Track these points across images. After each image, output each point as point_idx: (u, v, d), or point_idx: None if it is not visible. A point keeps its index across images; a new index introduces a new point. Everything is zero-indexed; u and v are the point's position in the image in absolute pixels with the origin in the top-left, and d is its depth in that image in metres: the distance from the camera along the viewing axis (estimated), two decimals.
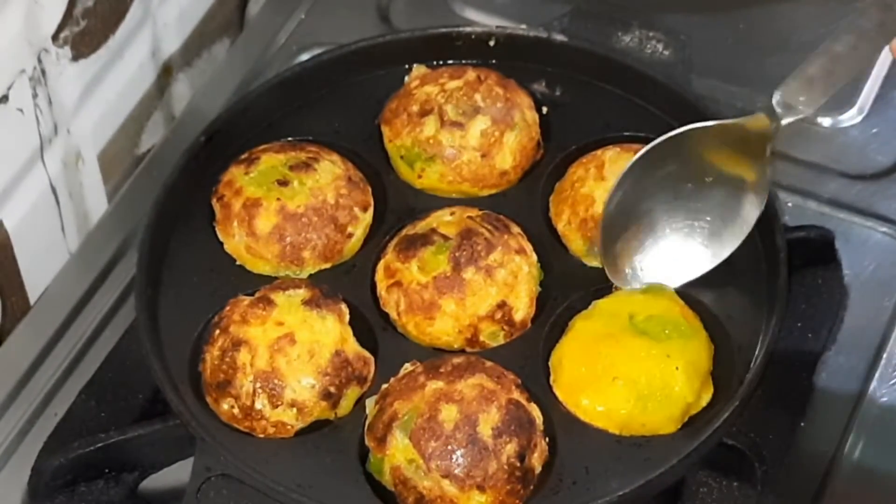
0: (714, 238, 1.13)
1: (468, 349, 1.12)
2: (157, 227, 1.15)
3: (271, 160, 1.18)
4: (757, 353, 1.08)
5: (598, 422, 1.07)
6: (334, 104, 1.25)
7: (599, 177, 1.17)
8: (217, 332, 1.10)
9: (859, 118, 1.32)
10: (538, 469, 1.05)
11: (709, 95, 1.27)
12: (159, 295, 1.14)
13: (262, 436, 1.08)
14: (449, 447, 1.03)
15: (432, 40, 1.27)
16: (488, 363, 1.09)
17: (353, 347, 1.10)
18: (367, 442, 1.07)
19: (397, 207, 1.19)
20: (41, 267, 1.24)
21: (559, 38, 1.25)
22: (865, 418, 1.15)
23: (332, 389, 1.08)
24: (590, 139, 1.22)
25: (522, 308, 1.13)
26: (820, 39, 1.36)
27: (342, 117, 1.24)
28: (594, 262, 1.15)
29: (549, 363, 1.10)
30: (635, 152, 1.18)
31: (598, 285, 1.14)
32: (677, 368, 1.07)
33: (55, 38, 1.19)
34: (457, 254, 1.12)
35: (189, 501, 1.04)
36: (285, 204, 1.15)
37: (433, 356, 1.11)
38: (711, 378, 1.10)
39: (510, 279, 1.12)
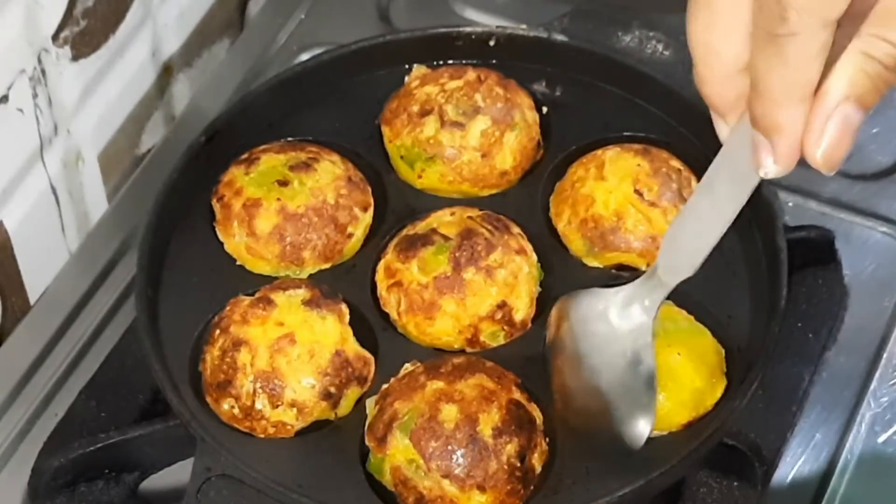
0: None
1: (468, 349, 1.12)
2: (157, 227, 1.15)
3: (271, 160, 1.18)
4: (757, 353, 1.08)
5: None
6: (334, 104, 1.25)
7: (600, 177, 1.17)
8: (217, 332, 1.10)
9: None
10: (538, 469, 1.06)
11: None
12: (159, 295, 1.14)
13: (262, 436, 1.08)
14: (449, 447, 1.03)
15: (432, 40, 1.27)
16: (489, 363, 1.09)
17: (353, 347, 1.10)
18: (367, 442, 1.07)
19: (397, 208, 1.19)
20: (41, 267, 1.24)
21: (559, 38, 1.25)
22: (866, 418, 1.15)
23: (333, 389, 1.08)
24: (590, 139, 1.22)
25: (523, 308, 1.13)
26: None
27: (342, 117, 1.24)
28: (594, 263, 1.16)
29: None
30: (635, 152, 1.18)
31: (599, 285, 1.14)
32: (679, 354, 1.07)
33: (55, 38, 1.19)
34: (457, 254, 1.12)
35: (189, 501, 1.04)
36: (285, 204, 1.15)
37: (433, 356, 1.11)
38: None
39: (510, 279, 1.12)
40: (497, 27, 1.27)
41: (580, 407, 1.06)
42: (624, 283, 1.13)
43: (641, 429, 1.03)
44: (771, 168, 0.84)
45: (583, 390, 1.05)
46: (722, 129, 0.89)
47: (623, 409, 1.04)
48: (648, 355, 1.02)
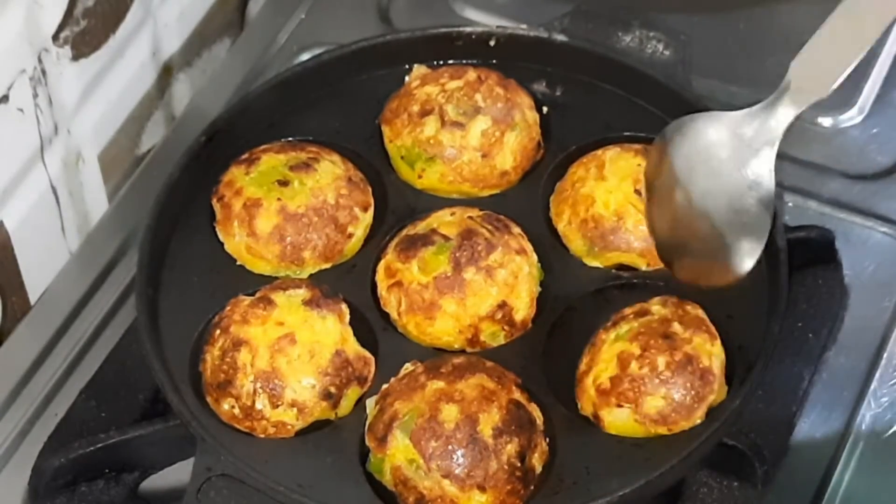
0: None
1: (469, 349, 1.12)
2: (157, 227, 1.15)
3: (272, 160, 1.18)
4: (757, 353, 1.08)
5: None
6: (334, 104, 1.25)
7: (600, 176, 1.17)
8: (217, 332, 1.10)
9: (859, 118, 1.32)
10: (539, 469, 1.06)
11: (709, 95, 1.27)
12: (160, 295, 1.14)
13: (262, 436, 1.08)
14: (449, 447, 1.03)
15: (433, 40, 1.27)
16: (489, 363, 1.09)
17: (353, 347, 1.10)
18: (367, 442, 1.07)
19: (398, 208, 1.19)
20: (41, 267, 1.24)
21: (559, 38, 1.25)
22: (866, 418, 1.15)
23: (333, 389, 1.08)
24: (590, 139, 1.22)
25: (523, 308, 1.13)
26: None
27: (342, 117, 1.24)
28: (595, 262, 1.16)
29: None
30: (635, 152, 1.18)
31: (599, 285, 1.14)
32: None
33: (55, 37, 1.19)
34: (457, 254, 1.12)
35: (189, 501, 1.04)
36: (286, 204, 1.15)
37: (434, 356, 1.11)
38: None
39: (511, 279, 1.12)
40: (497, 27, 1.27)
41: (684, 234, 1.04)
42: (625, 281, 1.14)
43: (750, 252, 1.01)
44: None
45: (690, 215, 1.03)
46: None
47: (733, 236, 1.01)
48: (769, 179, 0.99)
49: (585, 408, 1.08)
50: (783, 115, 0.99)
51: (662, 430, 1.06)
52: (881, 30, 0.91)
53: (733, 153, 1.01)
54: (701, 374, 1.07)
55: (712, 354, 1.08)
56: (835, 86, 0.95)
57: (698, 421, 1.06)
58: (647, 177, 1.11)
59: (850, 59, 0.94)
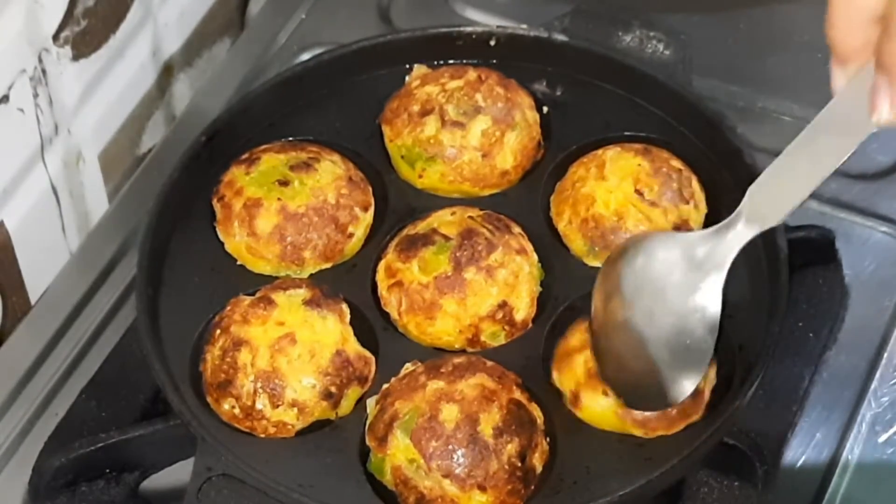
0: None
1: (469, 349, 1.12)
2: (157, 227, 1.15)
3: (272, 160, 1.18)
4: (757, 352, 1.08)
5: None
6: (335, 104, 1.25)
7: (600, 176, 1.17)
8: (218, 331, 1.10)
9: None
10: (539, 469, 1.06)
11: (709, 95, 1.27)
12: (160, 295, 1.14)
13: (262, 436, 1.08)
14: (450, 447, 1.03)
15: (433, 40, 1.27)
16: (489, 363, 1.09)
17: (353, 347, 1.10)
18: (367, 442, 1.07)
19: (398, 207, 1.19)
20: (42, 267, 1.24)
21: (560, 37, 1.25)
22: (866, 418, 1.15)
23: (333, 389, 1.08)
24: (590, 139, 1.22)
25: (523, 308, 1.13)
26: (820, 39, 1.37)
27: (343, 117, 1.24)
28: (595, 262, 1.16)
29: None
30: (636, 152, 1.18)
31: None
32: None
33: (56, 37, 1.19)
34: (458, 254, 1.12)
35: (190, 501, 1.03)
36: (286, 204, 1.15)
37: (434, 356, 1.11)
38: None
39: (511, 279, 1.12)
40: (497, 27, 1.27)
41: (626, 353, 1.04)
42: None
43: (689, 382, 1.02)
44: (886, 113, 0.87)
45: (633, 337, 1.03)
46: (838, 78, 0.91)
47: (674, 360, 1.02)
48: (715, 303, 1.00)
49: (565, 383, 1.08)
50: (735, 239, 1.00)
51: (638, 431, 1.06)
52: (836, 165, 0.93)
53: (682, 276, 1.01)
54: (694, 394, 1.07)
55: (707, 378, 1.08)
56: (787, 215, 0.97)
57: (675, 431, 1.07)
58: (595, 295, 1.06)
59: (805, 191, 0.95)
